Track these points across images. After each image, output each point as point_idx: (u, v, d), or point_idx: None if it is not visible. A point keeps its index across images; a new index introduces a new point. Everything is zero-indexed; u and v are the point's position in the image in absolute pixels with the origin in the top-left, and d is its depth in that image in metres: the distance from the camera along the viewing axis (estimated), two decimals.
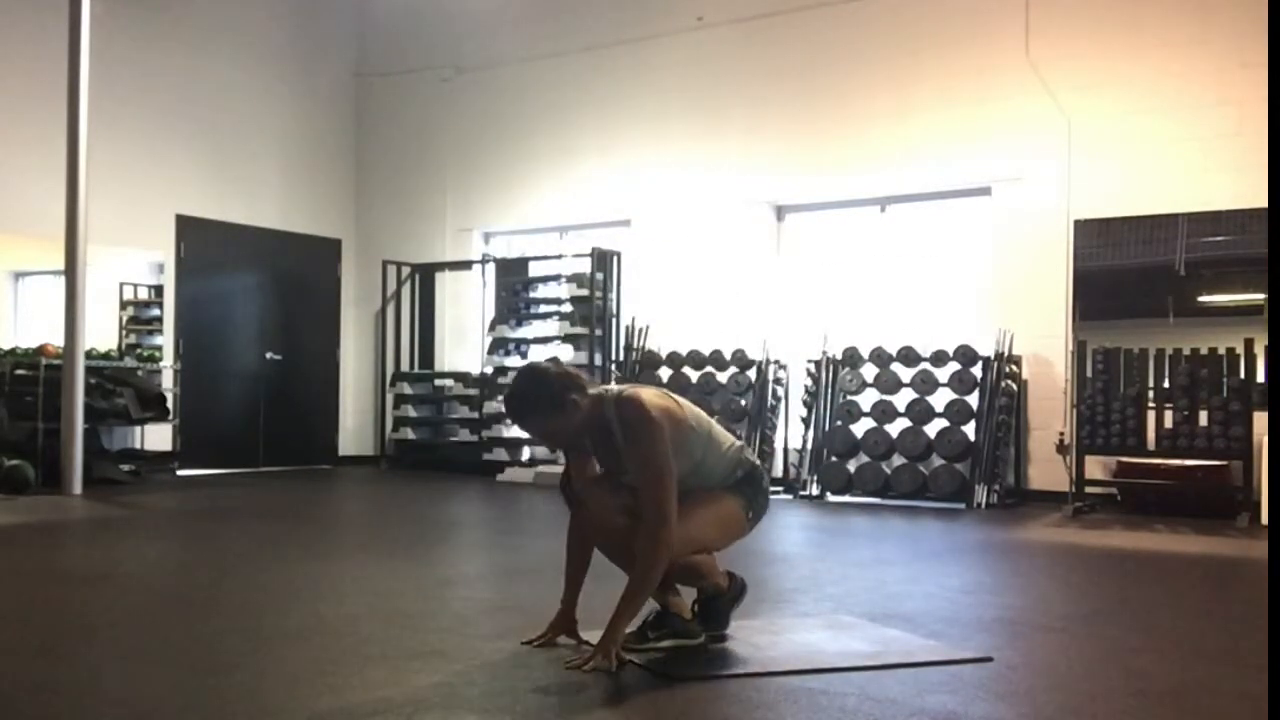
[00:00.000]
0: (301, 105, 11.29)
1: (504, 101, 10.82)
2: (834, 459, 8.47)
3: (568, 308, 9.96)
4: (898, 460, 8.23)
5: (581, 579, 3.37)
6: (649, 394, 3.17)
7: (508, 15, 10.72)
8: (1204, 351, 7.42)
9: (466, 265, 11.02)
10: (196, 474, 9.89)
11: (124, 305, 10.25)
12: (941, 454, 8.09)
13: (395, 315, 11.40)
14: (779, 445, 9.01)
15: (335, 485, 9.57)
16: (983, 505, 7.82)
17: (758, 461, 3.45)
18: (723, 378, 9.18)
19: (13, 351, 9.00)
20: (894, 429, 8.31)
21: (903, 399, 8.39)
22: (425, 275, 11.33)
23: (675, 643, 3.23)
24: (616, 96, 10.15)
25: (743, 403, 8.96)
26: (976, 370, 8.20)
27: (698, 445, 3.23)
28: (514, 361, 10.11)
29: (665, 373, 9.39)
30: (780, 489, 8.84)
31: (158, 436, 9.77)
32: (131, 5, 9.71)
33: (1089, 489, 7.70)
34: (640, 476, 3.11)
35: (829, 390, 8.72)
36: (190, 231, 10.29)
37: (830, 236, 9.43)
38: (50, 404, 8.29)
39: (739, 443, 3.45)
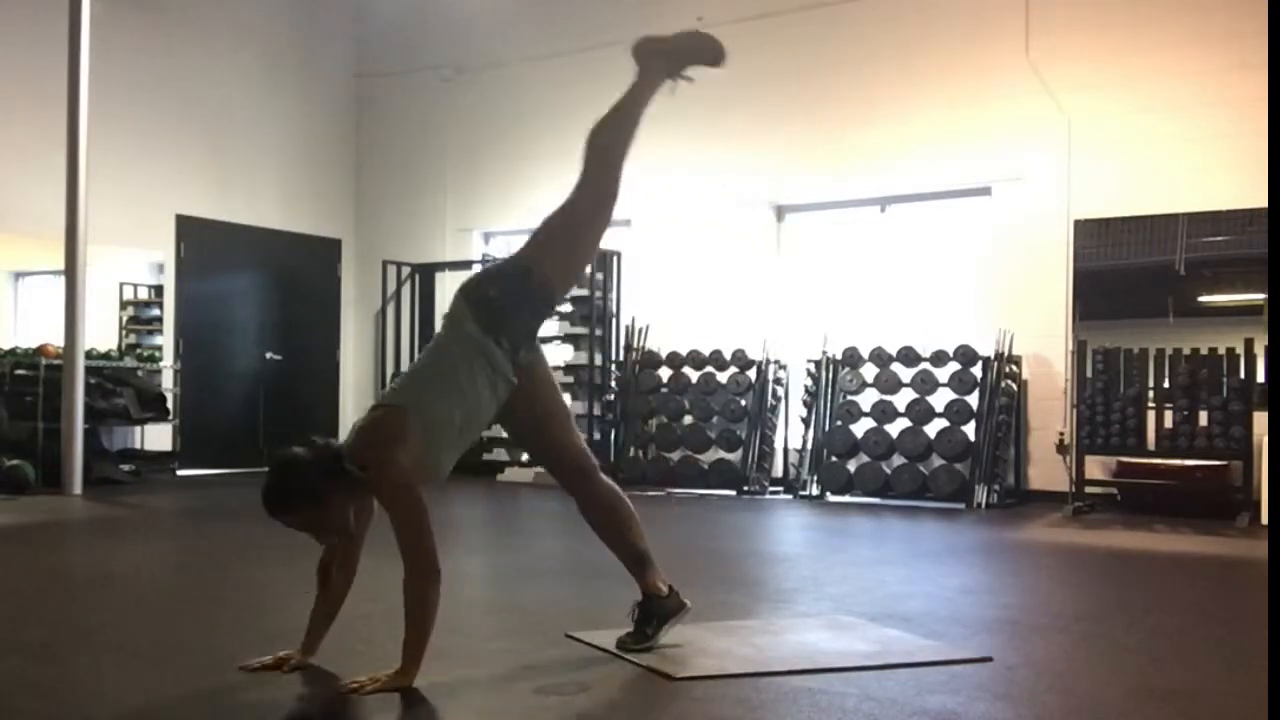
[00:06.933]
0: (301, 105, 11.29)
1: (504, 101, 10.81)
2: (834, 459, 8.47)
3: (568, 307, 9.94)
4: (898, 460, 8.23)
5: (329, 624, 3.15)
6: (366, 436, 2.97)
7: (508, 15, 10.70)
8: (1204, 351, 7.42)
9: (466, 265, 11.00)
10: (196, 474, 9.88)
11: (124, 305, 10.24)
12: (941, 454, 8.09)
13: (395, 315, 11.39)
14: (779, 445, 9.01)
15: None
16: (983, 505, 7.81)
17: (480, 337, 3.08)
18: (723, 378, 9.18)
19: (13, 351, 8.99)
20: (894, 429, 8.31)
21: (903, 399, 8.39)
22: (425, 275, 11.32)
23: (670, 625, 3.24)
24: (616, 97, 10.11)
25: (743, 403, 8.96)
26: (976, 370, 8.19)
27: (444, 419, 2.99)
28: None
29: (665, 372, 9.39)
30: (780, 489, 8.85)
31: (158, 436, 9.76)
32: (131, 5, 9.71)
33: (1089, 489, 7.70)
34: (392, 519, 2.91)
35: (829, 390, 8.72)
36: (190, 231, 10.29)
37: (830, 236, 9.43)
38: (50, 404, 8.28)
39: (456, 354, 3.07)
